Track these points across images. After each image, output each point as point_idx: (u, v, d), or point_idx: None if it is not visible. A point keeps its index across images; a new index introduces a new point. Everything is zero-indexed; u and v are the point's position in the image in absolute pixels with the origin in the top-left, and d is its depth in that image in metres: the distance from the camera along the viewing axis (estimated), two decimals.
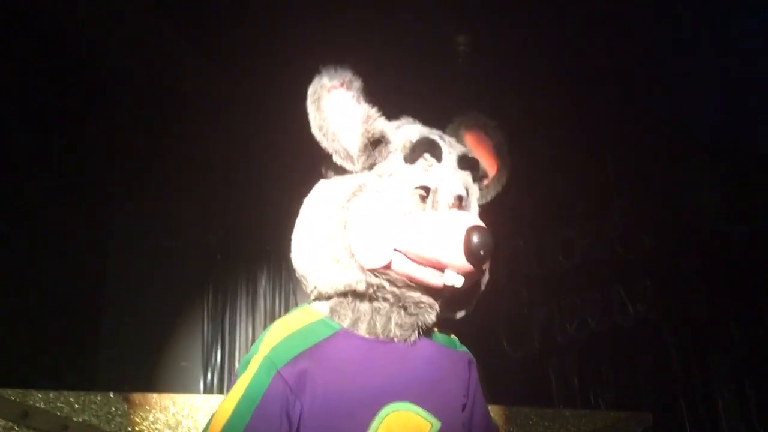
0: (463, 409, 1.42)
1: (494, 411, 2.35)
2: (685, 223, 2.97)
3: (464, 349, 1.48)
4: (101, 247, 2.34)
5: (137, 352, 2.29)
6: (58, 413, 1.88)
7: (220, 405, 1.28)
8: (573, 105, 2.93)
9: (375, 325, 1.33)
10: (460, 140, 1.51)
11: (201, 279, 2.43)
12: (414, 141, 1.39)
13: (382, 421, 1.27)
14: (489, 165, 1.53)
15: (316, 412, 1.25)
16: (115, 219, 2.46)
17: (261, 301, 2.06)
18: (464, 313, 1.44)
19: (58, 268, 2.27)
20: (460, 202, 1.41)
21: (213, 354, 1.92)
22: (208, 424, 1.28)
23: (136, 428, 1.94)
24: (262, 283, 2.29)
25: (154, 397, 1.99)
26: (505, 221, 2.77)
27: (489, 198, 1.53)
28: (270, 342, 1.31)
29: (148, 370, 2.25)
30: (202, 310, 2.34)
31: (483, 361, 2.56)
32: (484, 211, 2.82)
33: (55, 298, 2.23)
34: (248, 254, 2.14)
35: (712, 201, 3.01)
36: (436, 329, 1.43)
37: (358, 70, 1.33)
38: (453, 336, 1.49)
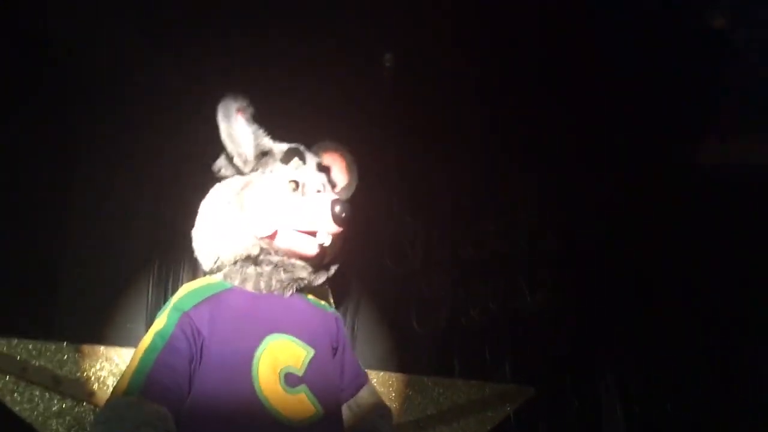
0: (333, 354, 1.85)
1: (397, 378, 2.74)
2: (587, 227, 3.38)
3: (332, 310, 2.00)
4: (59, 216, 2.64)
5: (90, 312, 2.60)
6: (18, 357, 2.23)
7: (140, 342, 1.67)
8: (488, 110, 3.31)
9: (259, 283, 1.83)
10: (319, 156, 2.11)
11: (149, 253, 2.76)
12: (286, 149, 1.98)
13: (266, 347, 1.71)
14: (342, 176, 2.14)
15: (215, 342, 1.69)
16: (75, 190, 2.73)
17: (200, 275, 2.43)
18: (326, 276, 1.95)
19: (22, 239, 2.61)
20: (322, 191, 1.99)
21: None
22: (132, 356, 1.67)
23: (84, 374, 2.30)
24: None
25: (102, 348, 2.35)
26: (424, 214, 3.17)
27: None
28: (177, 297, 1.79)
29: (98, 328, 2.55)
30: (148, 281, 2.68)
31: (393, 337, 2.95)
32: (409, 206, 3.23)
33: (18, 264, 2.56)
34: (189, 235, 2.50)
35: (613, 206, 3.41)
36: (311, 295, 1.93)
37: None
38: (323, 302, 2.00)
